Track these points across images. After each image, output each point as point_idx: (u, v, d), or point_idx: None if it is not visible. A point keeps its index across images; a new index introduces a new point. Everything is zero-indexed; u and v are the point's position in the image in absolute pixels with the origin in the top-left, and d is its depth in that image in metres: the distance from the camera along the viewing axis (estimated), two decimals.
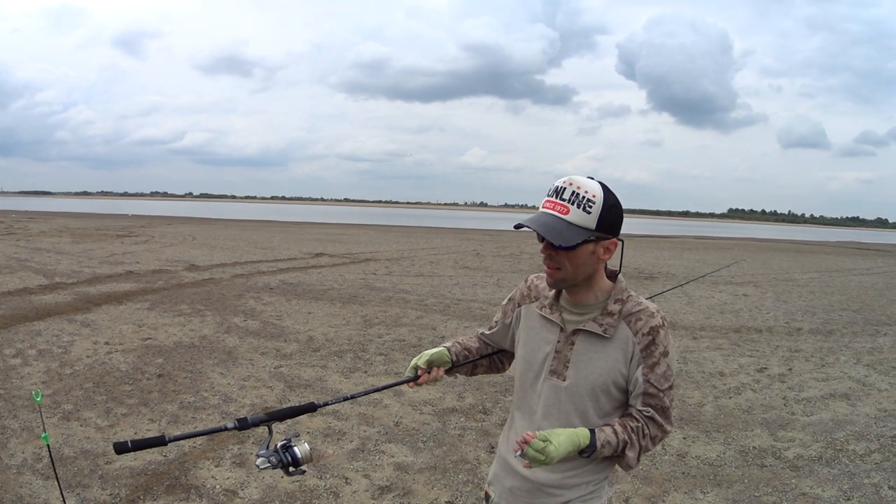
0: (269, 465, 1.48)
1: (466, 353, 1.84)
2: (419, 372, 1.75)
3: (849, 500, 3.53)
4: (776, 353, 7.09)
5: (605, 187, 1.49)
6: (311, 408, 1.64)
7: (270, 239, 23.70)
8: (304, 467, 1.51)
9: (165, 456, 3.78)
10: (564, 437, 1.44)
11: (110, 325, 7.31)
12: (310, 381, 5.49)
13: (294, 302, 9.44)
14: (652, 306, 1.56)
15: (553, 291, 1.64)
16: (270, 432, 1.53)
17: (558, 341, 1.59)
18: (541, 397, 1.61)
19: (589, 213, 1.46)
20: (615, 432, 1.51)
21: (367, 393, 1.84)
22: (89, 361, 5.77)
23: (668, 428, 1.56)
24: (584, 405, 1.56)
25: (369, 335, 7.34)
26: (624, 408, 1.58)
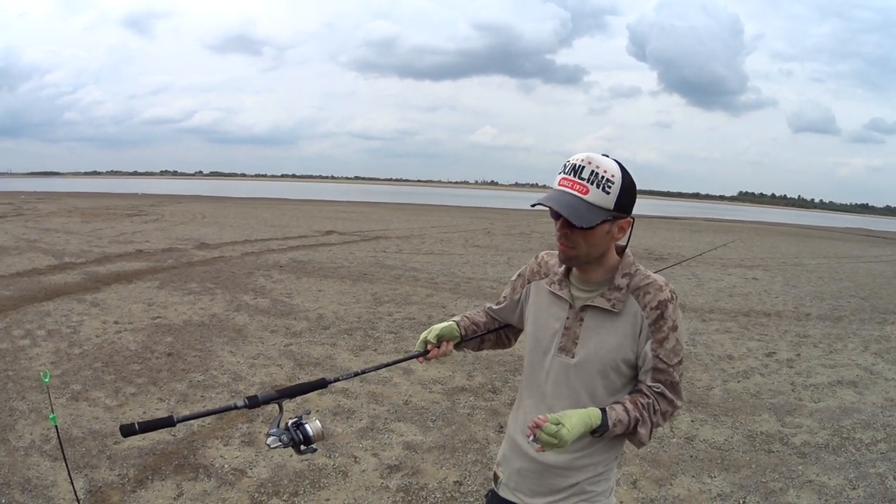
0: (280, 443, 1.45)
1: (475, 327, 1.83)
2: (429, 347, 1.74)
3: (854, 489, 3.51)
4: (784, 338, 7.05)
5: (622, 166, 1.47)
6: (322, 384, 1.62)
7: (281, 217, 23.76)
8: (315, 445, 1.48)
9: (174, 435, 3.80)
10: (577, 419, 1.42)
11: (120, 305, 7.35)
12: (319, 359, 5.51)
13: (304, 280, 9.47)
14: (660, 279, 1.53)
15: (563, 267, 1.62)
16: (281, 410, 1.50)
17: (567, 318, 1.58)
18: (549, 375, 1.60)
19: (608, 193, 1.44)
20: (626, 410, 1.49)
21: (377, 368, 1.81)
22: (98, 341, 5.81)
23: (679, 403, 1.54)
24: (593, 382, 1.54)
25: (379, 313, 7.37)
26: (633, 383, 1.56)
